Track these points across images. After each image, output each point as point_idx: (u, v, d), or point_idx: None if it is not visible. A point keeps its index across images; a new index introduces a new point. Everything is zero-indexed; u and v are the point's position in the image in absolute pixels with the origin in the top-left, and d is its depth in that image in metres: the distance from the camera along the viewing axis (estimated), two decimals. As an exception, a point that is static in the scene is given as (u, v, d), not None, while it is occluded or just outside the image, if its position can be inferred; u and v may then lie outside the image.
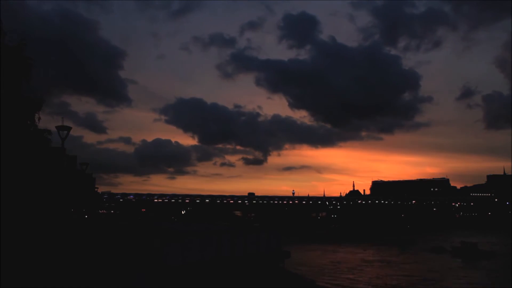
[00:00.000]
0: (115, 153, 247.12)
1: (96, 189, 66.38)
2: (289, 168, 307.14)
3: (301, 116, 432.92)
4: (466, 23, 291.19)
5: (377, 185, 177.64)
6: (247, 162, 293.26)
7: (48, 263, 13.63)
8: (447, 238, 68.32)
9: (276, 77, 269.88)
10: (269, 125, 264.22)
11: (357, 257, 47.73)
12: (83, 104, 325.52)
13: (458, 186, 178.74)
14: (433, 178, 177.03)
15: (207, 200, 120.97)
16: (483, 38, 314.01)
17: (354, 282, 32.31)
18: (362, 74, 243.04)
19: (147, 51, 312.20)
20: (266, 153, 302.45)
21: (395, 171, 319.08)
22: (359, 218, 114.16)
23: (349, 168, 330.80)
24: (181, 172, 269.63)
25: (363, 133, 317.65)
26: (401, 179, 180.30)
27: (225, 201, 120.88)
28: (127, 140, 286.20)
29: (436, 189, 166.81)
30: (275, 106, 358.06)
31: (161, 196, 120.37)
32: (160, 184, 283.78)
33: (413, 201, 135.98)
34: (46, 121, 18.18)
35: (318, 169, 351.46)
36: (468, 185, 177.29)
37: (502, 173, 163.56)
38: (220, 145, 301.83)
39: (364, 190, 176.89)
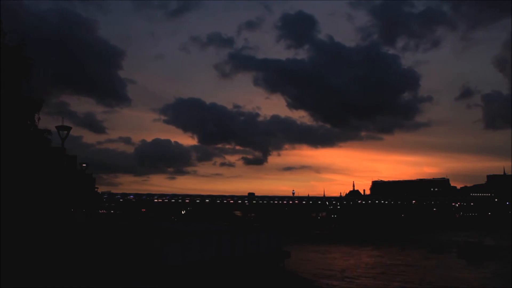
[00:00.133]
0: (115, 153, 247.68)
1: (96, 189, 66.42)
2: (289, 168, 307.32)
3: (300, 116, 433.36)
4: (465, 22, 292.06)
5: (377, 185, 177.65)
6: (247, 162, 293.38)
7: (48, 263, 13.63)
8: (447, 238, 68.32)
9: (275, 77, 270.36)
10: (269, 125, 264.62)
11: (357, 257, 47.68)
12: (82, 104, 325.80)
13: (458, 186, 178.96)
14: (433, 178, 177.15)
15: (207, 200, 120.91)
16: (482, 37, 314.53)
17: (354, 282, 32.27)
18: (361, 74, 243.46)
19: (145, 51, 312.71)
20: (265, 153, 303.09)
21: (395, 171, 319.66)
22: (359, 218, 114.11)
23: (349, 168, 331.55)
24: (181, 172, 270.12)
25: (363, 133, 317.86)
26: (401, 179, 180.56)
27: (225, 201, 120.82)
28: (127, 140, 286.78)
29: (436, 189, 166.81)
30: (273, 106, 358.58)
31: (161, 196, 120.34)
32: (160, 184, 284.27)
33: (413, 201, 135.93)
34: (46, 121, 18.16)
35: (318, 169, 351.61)
36: (468, 185, 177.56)
37: (502, 173, 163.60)
38: (219, 145, 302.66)
39: (364, 190, 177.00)
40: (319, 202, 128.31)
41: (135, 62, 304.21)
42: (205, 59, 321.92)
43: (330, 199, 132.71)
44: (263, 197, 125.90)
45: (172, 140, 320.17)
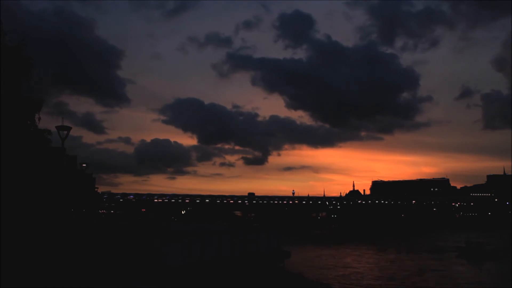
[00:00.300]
0: (115, 153, 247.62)
1: (96, 189, 66.38)
2: (289, 168, 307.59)
3: (299, 116, 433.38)
4: (464, 22, 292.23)
5: (377, 185, 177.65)
6: (247, 162, 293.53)
7: (48, 263, 13.63)
8: (447, 238, 68.33)
9: (273, 77, 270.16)
10: (268, 125, 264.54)
11: (357, 257, 47.70)
12: (81, 104, 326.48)
13: (458, 186, 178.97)
14: (433, 178, 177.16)
15: (207, 200, 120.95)
16: (481, 37, 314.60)
17: (354, 282, 32.29)
18: (360, 73, 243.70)
19: (143, 51, 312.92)
20: (265, 153, 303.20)
21: (395, 171, 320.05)
22: (359, 218, 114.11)
23: (348, 168, 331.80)
24: (181, 172, 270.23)
25: (363, 133, 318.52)
26: (401, 179, 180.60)
27: (225, 201, 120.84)
28: (127, 140, 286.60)
29: (436, 189, 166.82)
30: (272, 106, 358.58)
31: (161, 196, 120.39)
32: (160, 184, 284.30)
33: (413, 201, 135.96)
34: (45, 121, 18.16)
35: (318, 169, 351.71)
36: (468, 185, 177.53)
37: (502, 173, 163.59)
38: (219, 145, 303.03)
39: (364, 190, 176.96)
40: (319, 202, 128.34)
41: (134, 62, 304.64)
42: (203, 59, 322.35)
43: (330, 199, 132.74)
44: (263, 197, 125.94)
45: (172, 140, 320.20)
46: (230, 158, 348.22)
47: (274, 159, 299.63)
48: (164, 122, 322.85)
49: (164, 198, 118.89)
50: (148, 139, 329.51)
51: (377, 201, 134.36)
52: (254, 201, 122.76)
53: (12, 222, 14.91)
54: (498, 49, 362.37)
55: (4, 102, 14.70)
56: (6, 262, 11.36)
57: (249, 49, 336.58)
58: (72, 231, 22.19)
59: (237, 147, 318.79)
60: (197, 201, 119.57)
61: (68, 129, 18.38)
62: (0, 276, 10.42)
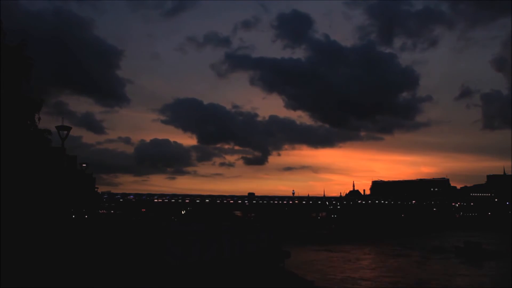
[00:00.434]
0: (115, 153, 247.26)
1: (96, 189, 66.41)
2: (289, 168, 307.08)
3: (298, 116, 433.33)
4: (463, 22, 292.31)
5: (377, 185, 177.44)
6: (247, 162, 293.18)
7: (48, 263, 13.63)
8: (447, 238, 68.33)
9: (272, 77, 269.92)
10: (267, 125, 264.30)
11: (357, 257, 47.70)
12: (81, 104, 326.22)
13: (458, 186, 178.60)
14: (433, 178, 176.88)
15: (207, 200, 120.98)
16: (480, 37, 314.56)
17: (354, 282, 32.30)
18: (359, 73, 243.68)
19: (142, 51, 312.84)
20: (265, 153, 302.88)
21: (395, 171, 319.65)
22: (359, 218, 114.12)
23: (348, 168, 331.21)
24: (181, 172, 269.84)
25: (363, 133, 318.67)
26: (401, 179, 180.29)
27: (225, 201, 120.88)
28: (127, 140, 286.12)
29: (436, 189, 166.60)
30: (271, 106, 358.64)
31: (161, 196, 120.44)
32: (160, 184, 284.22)
33: (413, 201, 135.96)
34: (45, 121, 18.15)
35: (318, 169, 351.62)
36: (468, 185, 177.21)
37: (502, 173, 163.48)
38: (218, 145, 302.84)
39: (364, 190, 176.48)
40: (319, 202, 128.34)
41: (133, 62, 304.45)
42: (201, 59, 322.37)
43: (330, 199, 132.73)
44: (263, 197, 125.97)
45: (171, 140, 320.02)
46: (230, 158, 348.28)
47: (274, 159, 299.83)
48: (164, 122, 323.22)
49: (164, 198, 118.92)
50: (148, 139, 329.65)
51: (377, 201, 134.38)
52: (254, 201, 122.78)
53: (12, 222, 14.92)
54: (497, 49, 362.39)
55: (4, 102, 14.71)
56: (6, 262, 11.36)
57: (247, 49, 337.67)
58: (72, 231, 22.18)
59: (236, 147, 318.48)
60: (197, 201, 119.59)
61: (68, 129, 18.39)
62: (0, 276, 10.43)
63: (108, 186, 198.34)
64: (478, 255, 46.56)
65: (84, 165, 35.59)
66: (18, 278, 11.53)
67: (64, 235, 18.83)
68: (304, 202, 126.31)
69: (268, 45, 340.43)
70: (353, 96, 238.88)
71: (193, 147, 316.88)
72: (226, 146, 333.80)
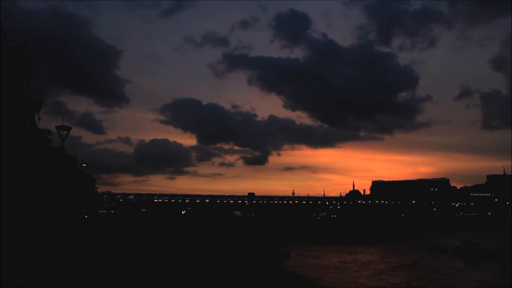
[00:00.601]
0: (115, 153, 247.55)
1: (96, 189, 66.41)
2: (289, 169, 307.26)
3: (297, 116, 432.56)
4: (462, 21, 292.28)
5: (377, 185, 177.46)
6: (247, 162, 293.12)
7: (49, 263, 13.63)
8: (447, 238, 68.32)
9: (270, 76, 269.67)
10: (267, 125, 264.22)
11: (357, 257, 47.69)
12: (80, 104, 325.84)
13: (458, 186, 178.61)
14: (433, 178, 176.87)
15: (207, 200, 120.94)
16: (479, 36, 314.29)
17: (354, 282, 32.28)
18: (358, 73, 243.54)
19: (141, 51, 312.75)
20: (265, 153, 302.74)
21: (395, 171, 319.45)
22: (359, 218, 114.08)
23: (348, 168, 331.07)
24: (180, 172, 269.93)
25: (362, 133, 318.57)
26: (401, 179, 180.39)
27: (225, 201, 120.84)
28: (126, 140, 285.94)
29: (436, 189, 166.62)
30: (270, 105, 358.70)
31: (161, 196, 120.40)
32: (160, 184, 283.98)
33: (413, 201, 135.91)
34: (44, 121, 18.10)
35: (318, 169, 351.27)
36: (468, 185, 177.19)
37: (502, 173, 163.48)
38: (218, 145, 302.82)
39: (364, 190, 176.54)
40: (319, 202, 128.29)
41: (132, 62, 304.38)
42: (200, 59, 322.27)
43: (330, 199, 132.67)
44: (263, 197, 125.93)
45: (171, 140, 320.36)
46: (230, 158, 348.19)
47: (274, 159, 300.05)
48: (163, 122, 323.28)
49: (164, 198, 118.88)
50: (147, 139, 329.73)
51: (377, 201, 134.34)
52: (254, 201, 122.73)
53: (12, 222, 14.91)
54: (496, 49, 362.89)
55: (4, 102, 14.70)
56: (6, 262, 11.35)
57: (245, 48, 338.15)
58: (72, 231, 22.17)
59: (236, 147, 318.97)
60: (197, 201, 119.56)
61: (68, 129, 18.38)
62: (0, 276, 10.42)
63: (108, 186, 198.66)
64: (475, 255, 46.60)
65: (84, 165, 35.60)
66: (18, 278, 11.53)
67: (64, 235, 18.82)
68: (304, 202, 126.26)
69: (266, 45, 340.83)
70: (352, 96, 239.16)
71: (193, 147, 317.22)
72: (226, 146, 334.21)
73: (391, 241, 68.15)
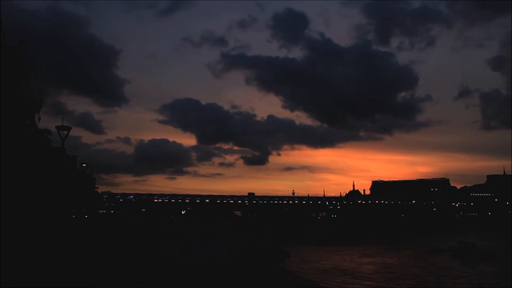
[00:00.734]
0: (115, 153, 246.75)
1: (96, 189, 66.39)
2: (289, 169, 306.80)
3: (297, 116, 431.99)
4: (461, 21, 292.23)
5: (377, 185, 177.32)
6: (247, 162, 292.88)
7: (49, 263, 13.63)
8: (447, 238, 68.30)
9: (268, 76, 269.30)
10: (266, 125, 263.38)
11: (356, 257, 47.71)
12: (79, 104, 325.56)
13: (458, 186, 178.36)
14: (433, 178, 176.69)
15: (207, 200, 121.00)
16: (478, 36, 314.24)
17: (353, 282, 32.29)
18: (357, 73, 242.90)
19: (140, 50, 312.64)
20: (265, 153, 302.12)
21: (394, 171, 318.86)
22: (359, 218, 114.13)
23: (348, 168, 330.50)
24: (180, 172, 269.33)
25: (362, 133, 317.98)
26: (401, 179, 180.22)
27: (225, 201, 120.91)
28: (126, 140, 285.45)
29: (436, 189, 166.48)
30: (268, 105, 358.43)
31: (161, 196, 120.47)
32: (160, 184, 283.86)
33: (413, 201, 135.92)
34: (43, 121, 18.09)
35: (317, 169, 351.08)
36: (468, 185, 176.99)
37: (502, 173, 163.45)
38: (218, 145, 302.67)
39: (364, 190, 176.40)
40: (319, 202, 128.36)
41: (131, 62, 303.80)
42: (198, 59, 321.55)
43: (330, 199, 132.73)
44: (263, 197, 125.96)
45: (171, 140, 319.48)
46: (230, 158, 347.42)
47: (274, 159, 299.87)
48: (163, 122, 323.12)
49: (164, 198, 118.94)
50: (147, 139, 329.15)
51: (377, 201, 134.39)
52: (254, 201, 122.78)
53: (12, 222, 14.91)
54: (495, 48, 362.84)
55: (4, 102, 14.70)
56: (6, 262, 11.35)
57: (243, 48, 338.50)
58: (72, 231, 22.20)
59: (235, 147, 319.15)
60: (197, 201, 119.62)
61: (68, 129, 18.36)
62: (0, 276, 10.42)
63: (108, 186, 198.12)
64: (472, 255, 46.60)
65: (84, 165, 35.57)
66: (18, 278, 11.53)
67: (64, 235, 18.84)
68: (304, 202, 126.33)
69: (264, 45, 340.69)
70: (351, 96, 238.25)
71: (193, 147, 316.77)
72: (226, 146, 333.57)
73: (391, 241, 68.17)
